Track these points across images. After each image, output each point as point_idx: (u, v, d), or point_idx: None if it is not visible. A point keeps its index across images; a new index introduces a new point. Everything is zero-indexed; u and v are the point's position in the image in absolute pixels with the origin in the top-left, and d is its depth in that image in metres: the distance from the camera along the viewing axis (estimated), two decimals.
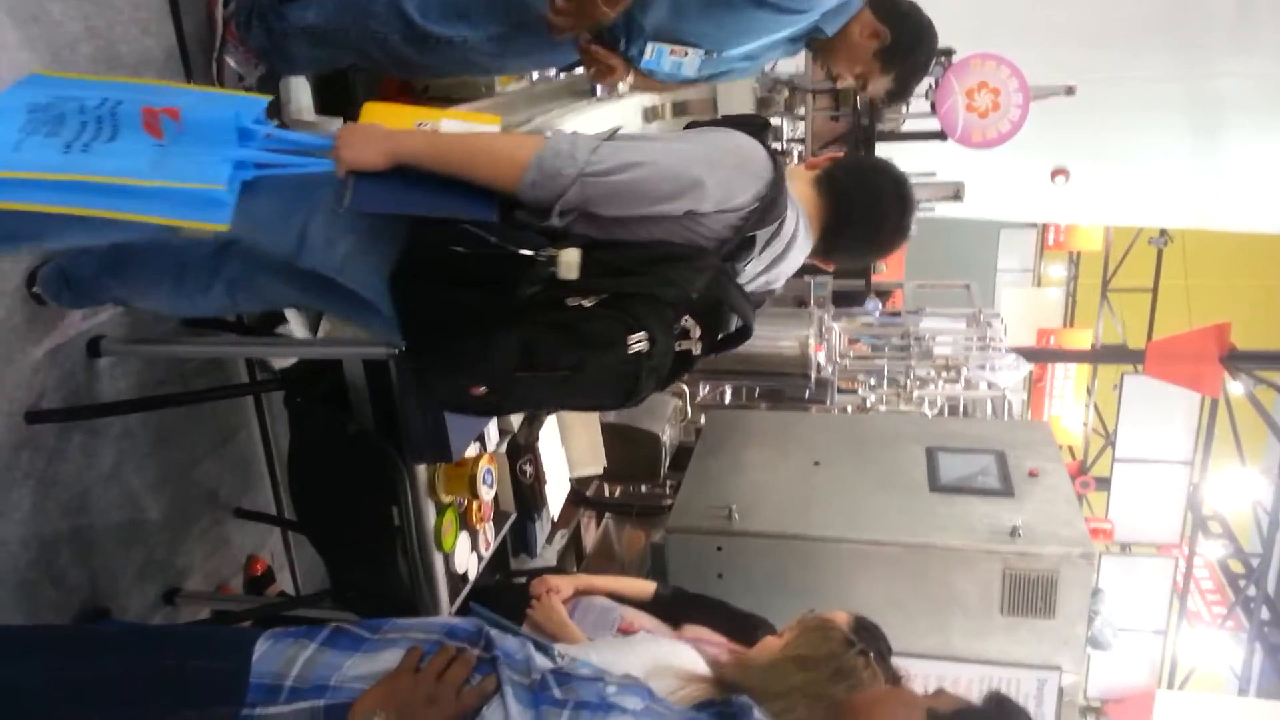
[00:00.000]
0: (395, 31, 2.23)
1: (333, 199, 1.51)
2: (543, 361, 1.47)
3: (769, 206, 1.59)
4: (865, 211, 1.75)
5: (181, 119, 1.48)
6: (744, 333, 1.68)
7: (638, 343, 1.44)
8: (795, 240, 1.72)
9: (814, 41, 2.25)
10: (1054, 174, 6.94)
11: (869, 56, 2.20)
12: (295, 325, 2.73)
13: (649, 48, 2.18)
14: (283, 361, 2.63)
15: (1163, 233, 11.22)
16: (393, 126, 1.62)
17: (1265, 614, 8.42)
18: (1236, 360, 8.07)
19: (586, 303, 1.45)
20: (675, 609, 2.51)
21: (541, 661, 1.21)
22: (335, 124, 2.69)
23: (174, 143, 1.47)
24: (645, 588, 2.58)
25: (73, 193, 1.43)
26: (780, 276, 1.79)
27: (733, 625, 2.39)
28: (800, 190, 1.73)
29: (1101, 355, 9.90)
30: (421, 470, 2.10)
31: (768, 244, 1.66)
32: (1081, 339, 12.05)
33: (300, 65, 2.48)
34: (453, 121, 1.78)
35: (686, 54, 2.20)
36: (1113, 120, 6.55)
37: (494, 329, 1.47)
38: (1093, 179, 7.11)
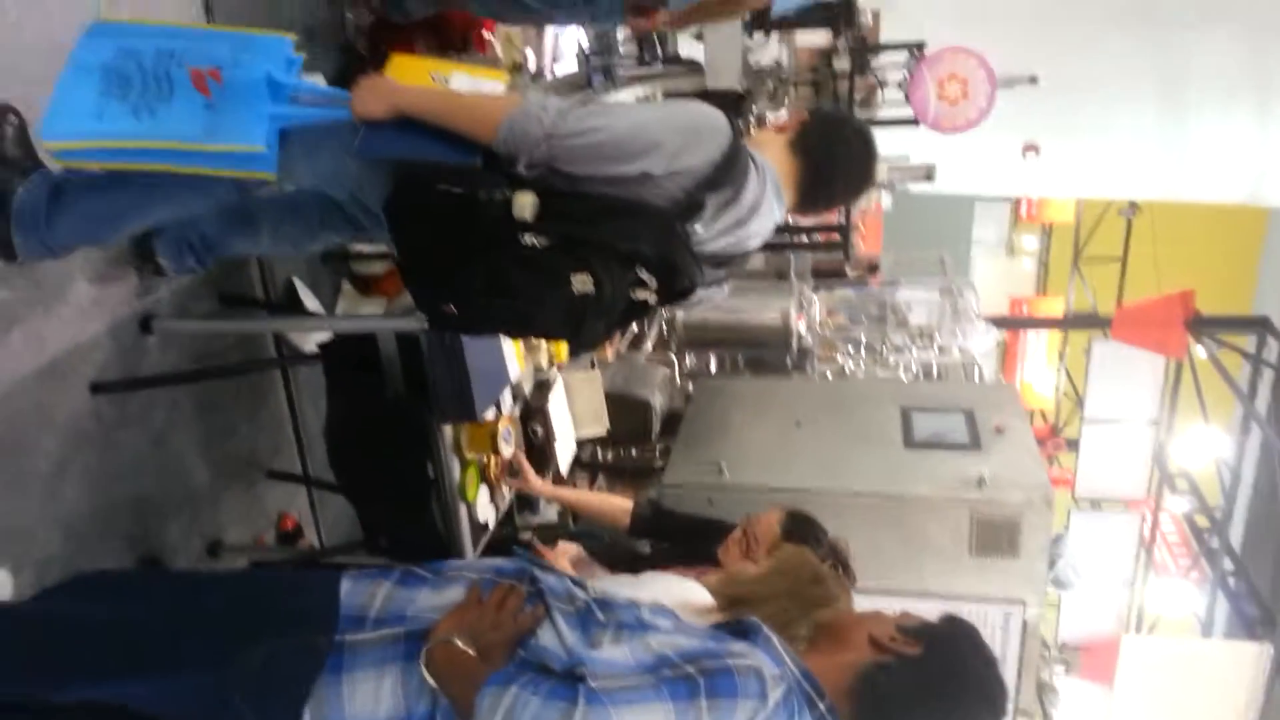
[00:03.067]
0: None
1: (347, 141, 1.76)
2: (497, 288, 1.71)
3: (723, 172, 1.76)
4: (839, 169, 1.96)
5: (223, 79, 1.72)
6: (689, 288, 1.86)
7: (582, 283, 1.67)
8: (760, 206, 1.88)
9: None
10: (1025, 149, 7.17)
11: None
12: (309, 301, 2.97)
13: None
14: (305, 339, 2.86)
15: (1132, 204, 11.50)
16: (410, 78, 1.88)
17: (1227, 564, 8.80)
18: (1200, 325, 8.38)
19: (539, 243, 1.68)
20: (654, 528, 2.71)
21: (581, 593, 1.42)
22: None
23: (219, 101, 1.71)
24: (623, 505, 2.77)
25: (147, 154, 1.70)
26: (750, 238, 1.94)
27: (704, 531, 2.58)
28: (774, 155, 1.92)
29: (1070, 322, 10.21)
30: (448, 431, 2.34)
31: (725, 208, 1.83)
32: (1053, 307, 12.38)
33: (413, 13, 3.06)
34: (462, 74, 2.01)
35: None
36: (1082, 96, 6.78)
37: (460, 259, 1.71)
38: (1063, 154, 7.32)
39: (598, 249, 1.69)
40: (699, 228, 1.82)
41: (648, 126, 1.74)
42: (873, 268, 7.37)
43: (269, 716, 1.27)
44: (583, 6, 2.88)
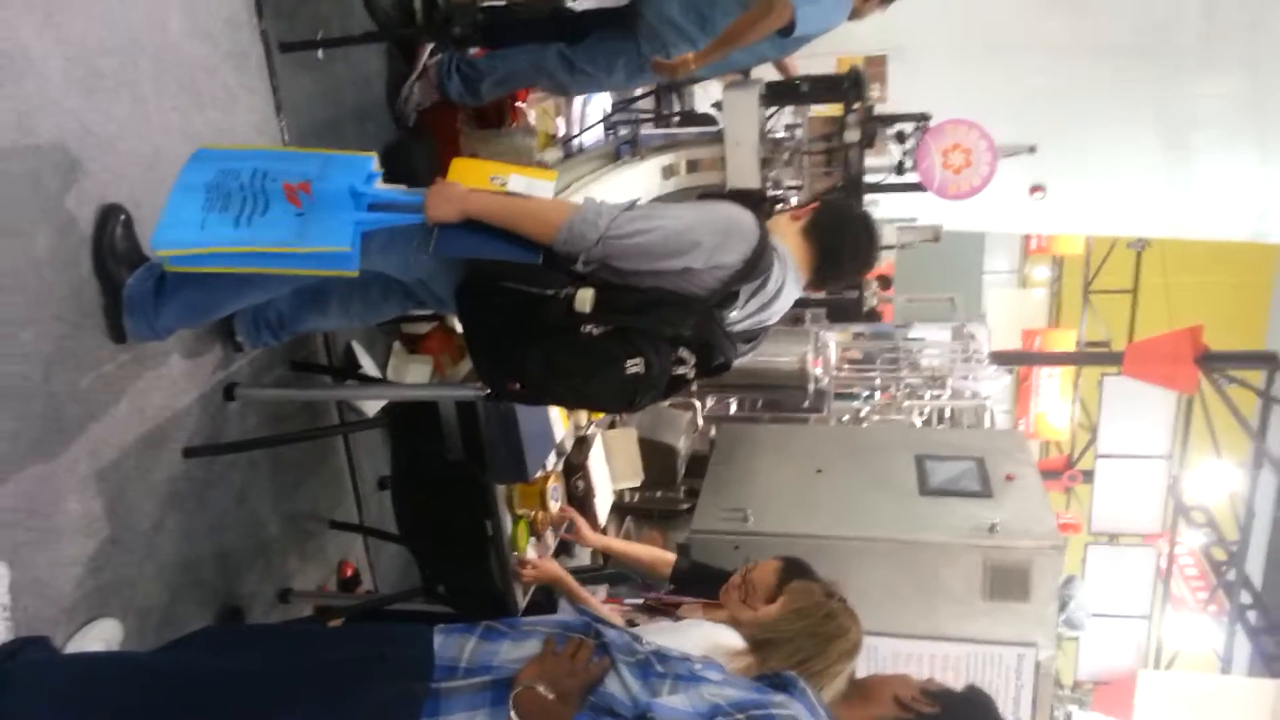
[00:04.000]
0: (561, 70, 3.42)
1: (421, 242, 2.02)
2: (560, 371, 1.97)
3: (753, 265, 2.05)
4: (847, 254, 2.25)
5: (312, 191, 1.97)
6: (726, 365, 2.15)
7: (634, 365, 1.94)
8: (783, 288, 2.18)
9: None
10: (1032, 190, 7.39)
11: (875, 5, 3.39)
12: (366, 364, 3.21)
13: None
14: (365, 403, 3.10)
15: (1140, 238, 11.67)
16: (471, 180, 2.13)
17: (1245, 597, 8.88)
18: (1210, 361, 8.53)
19: (596, 331, 1.94)
20: (690, 579, 2.95)
21: (640, 646, 1.62)
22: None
23: (309, 210, 1.96)
24: (665, 558, 3.00)
25: (245, 259, 1.94)
26: (774, 315, 2.24)
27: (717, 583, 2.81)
28: (790, 240, 2.19)
29: (1081, 358, 10.36)
30: (500, 489, 2.57)
31: (754, 294, 2.12)
32: (1065, 339, 12.54)
33: (483, 98, 3.55)
34: (519, 177, 2.26)
35: None
36: (1089, 138, 6.99)
37: (526, 345, 1.97)
38: (1070, 193, 7.52)
39: (647, 335, 1.95)
40: (733, 313, 2.09)
41: (691, 228, 2.00)
42: (885, 282, 7.55)
43: None
44: (636, 68, 3.36)
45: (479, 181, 2.16)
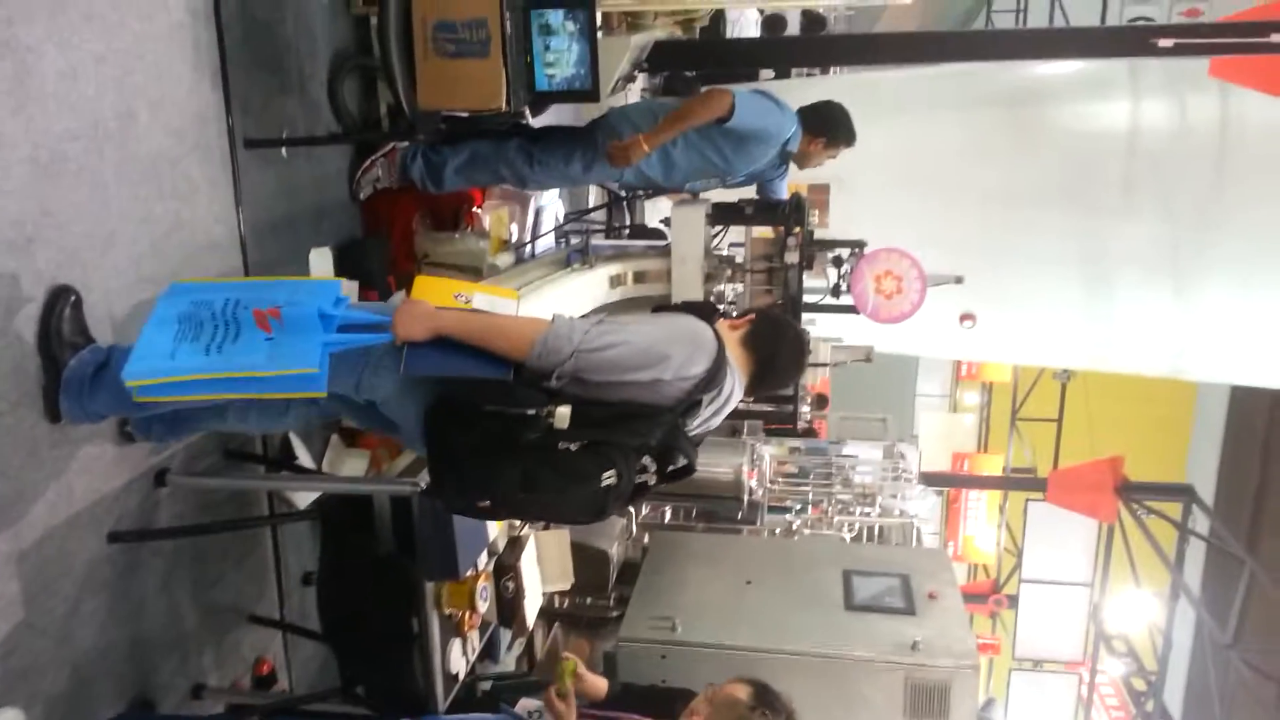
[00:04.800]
0: (520, 159, 3.56)
1: (391, 363, 2.04)
2: (536, 487, 1.98)
3: (714, 376, 2.13)
4: (781, 363, 2.35)
5: (282, 316, 2.01)
6: (688, 469, 2.19)
7: (609, 479, 1.97)
8: (732, 394, 2.27)
9: (788, 155, 3.71)
10: (962, 318, 7.67)
11: (821, 152, 3.72)
12: (303, 456, 3.21)
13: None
14: (297, 494, 3.09)
15: (1065, 370, 12.11)
16: (436, 298, 2.17)
17: None
18: (1129, 491, 8.81)
19: (573, 447, 1.98)
20: (621, 701, 2.94)
21: None
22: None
23: (279, 334, 1.99)
24: (603, 686, 3.00)
25: (215, 385, 1.96)
26: (718, 418, 2.31)
27: (663, 703, 2.81)
28: (731, 348, 2.27)
29: (1007, 483, 10.60)
30: (429, 586, 2.57)
31: (710, 402, 2.20)
32: (994, 463, 12.85)
33: (445, 186, 3.65)
34: (483, 295, 2.32)
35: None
36: (1016, 271, 7.30)
37: (501, 461, 1.99)
38: (998, 323, 7.81)
39: (618, 447, 2.00)
40: (693, 421, 2.16)
41: (659, 341, 2.09)
42: (822, 400, 7.72)
43: None
44: (592, 159, 3.55)
45: (443, 299, 2.21)
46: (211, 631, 2.89)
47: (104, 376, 2.19)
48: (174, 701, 2.70)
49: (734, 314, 2.59)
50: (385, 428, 2.29)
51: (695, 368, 2.10)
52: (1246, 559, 8.01)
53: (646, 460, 2.07)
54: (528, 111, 3.41)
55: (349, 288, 3.18)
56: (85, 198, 2.31)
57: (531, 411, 1.98)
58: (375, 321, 2.10)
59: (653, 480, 2.11)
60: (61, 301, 2.22)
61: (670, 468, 2.16)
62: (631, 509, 5.08)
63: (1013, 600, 11.28)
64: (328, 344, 2.00)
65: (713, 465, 5.38)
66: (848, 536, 5.77)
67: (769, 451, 5.96)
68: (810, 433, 5.48)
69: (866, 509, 5.71)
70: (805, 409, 4.47)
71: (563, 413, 1.97)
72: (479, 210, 4.21)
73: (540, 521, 3.01)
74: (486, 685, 3.39)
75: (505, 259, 3.89)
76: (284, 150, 3.09)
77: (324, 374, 1.96)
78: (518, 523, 3.14)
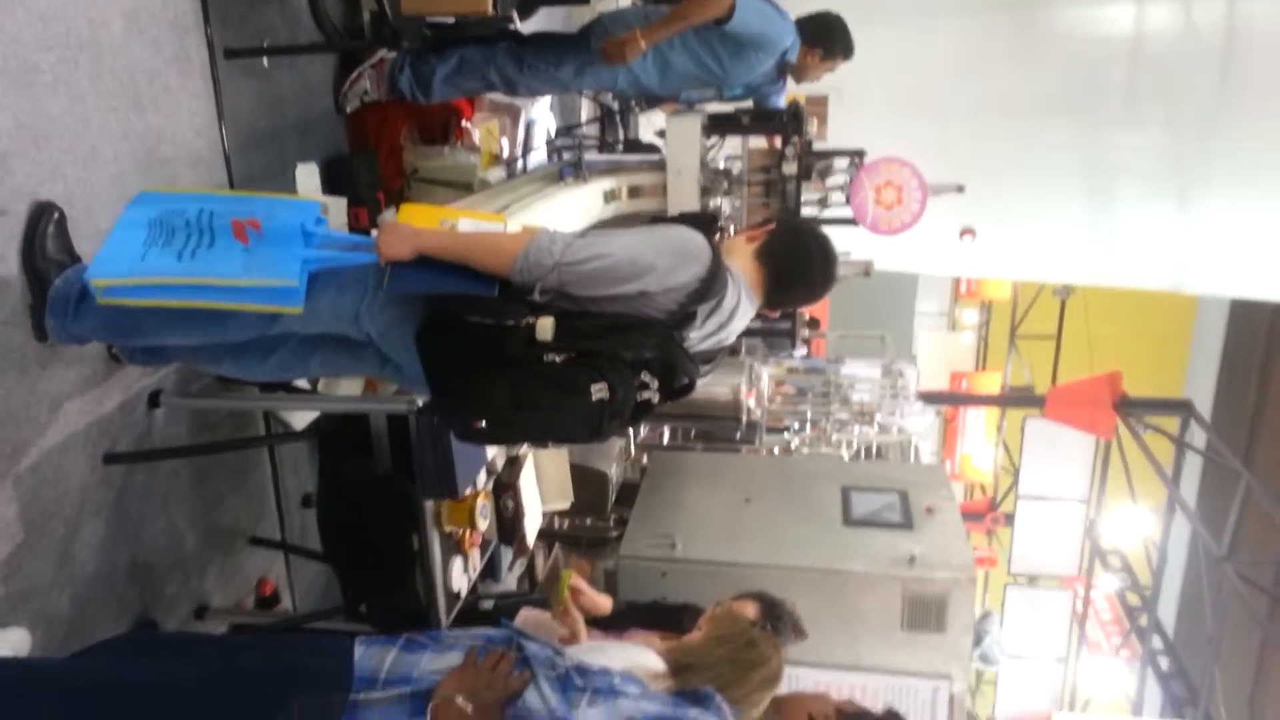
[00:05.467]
0: (510, 64, 3.45)
1: (375, 282, 1.99)
2: (526, 402, 1.95)
3: (708, 286, 2.06)
4: (800, 275, 2.22)
5: (261, 228, 1.96)
6: (690, 386, 2.14)
7: (599, 391, 1.93)
8: (738, 309, 2.18)
9: (786, 66, 3.60)
10: (962, 233, 7.59)
11: (819, 64, 3.61)
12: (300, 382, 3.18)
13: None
14: (293, 416, 3.07)
15: (1066, 285, 12.05)
16: (421, 223, 2.12)
17: (1157, 642, 9.12)
18: (1128, 406, 8.82)
19: (559, 359, 1.94)
20: (626, 618, 2.98)
21: (561, 660, 1.65)
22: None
23: (256, 246, 1.94)
24: (606, 603, 3.03)
25: (186, 291, 1.90)
26: (730, 335, 2.24)
27: (669, 618, 2.86)
28: (743, 262, 2.19)
29: (1005, 400, 10.63)
30: (429, 505, 2.56)
31: (710, 314, 2.13)
32: (992, 382, 12.87)
33: (434, 96, 3.54)
34: (468, 221, 2.26)
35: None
36: (1016, 185, 7.20)
37: (490, 378, 1.95)
38: (998, 238, 7.74)
39: (609, 359, 1.95)
40: (691, 334, 2.11)
41: (644, 252, 2.02)
42: (813, 323, 7.70)
43: None
44: (584, 63, 3.44)
45: (428, 224, 2.15)
46: (213, 553, 2.90)
47: (87, 302, 2.14)
48: (177, 623, 2.72)
49: (754, 224, 2.45)
50: (393, 372, 2.23)
51: (683, 277, 2.02)
52: (1243, 472, 8.06)
53: (647, 377, 2.03)
54: (516, 16, 3.27)
55: (338, 204, 3.14)
56: (61, 111, 2.23)
57: (511, 322, 1.94)
58: (356, 240, 2.05)
59: (656, 398, 2.06)
60: (45, 218, 2.16)
61: (675, 385, 2.11)
62: (631, 430, 5.10)
63: (1010, 519, 11.42)
64: (307, 260, 1.95)
65: (711, 385, 5.38)
66: (846, 455, 5.79)
67: (767, 371, 5.95)
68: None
69: (865, 427, 5.71)
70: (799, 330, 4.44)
71: (545, 324, 1.93)
72: (468, 124, 4.11)
73: (540, 443, 2.97)
74: (489, 604, 3.41)
75: (496, 173, 3.81)
76: (265, 60, 2.99)
77: (302, 288, 1.92)
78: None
